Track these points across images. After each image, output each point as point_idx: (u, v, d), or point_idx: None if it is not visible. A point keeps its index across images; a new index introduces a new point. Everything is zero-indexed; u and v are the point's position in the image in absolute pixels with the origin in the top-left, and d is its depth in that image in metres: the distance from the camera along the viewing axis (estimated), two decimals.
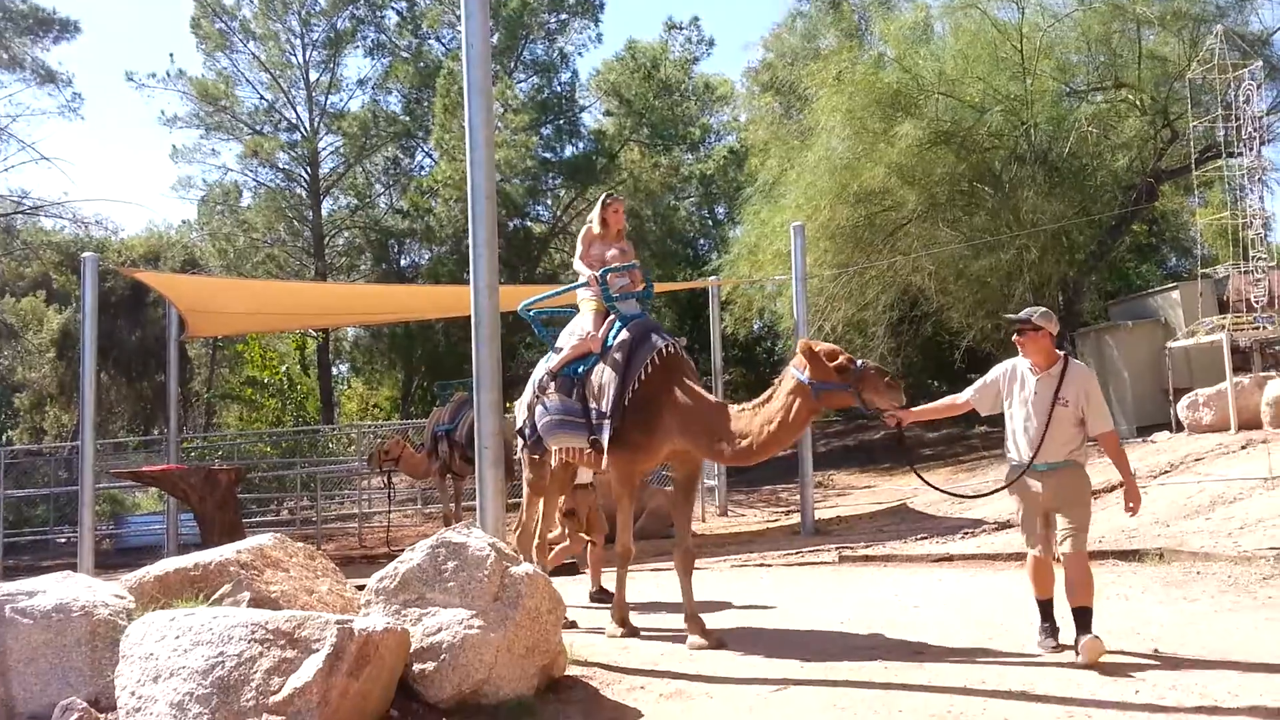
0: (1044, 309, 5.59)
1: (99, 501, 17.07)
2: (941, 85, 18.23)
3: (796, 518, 13.40)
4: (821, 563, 9.68)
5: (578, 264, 7.20)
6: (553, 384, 6.81)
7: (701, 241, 31.49)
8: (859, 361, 5.76)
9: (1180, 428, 14.64)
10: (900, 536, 11.31)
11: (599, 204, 7.27)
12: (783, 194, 19.98)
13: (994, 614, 6.46)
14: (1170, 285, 19.10)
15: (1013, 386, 5.66)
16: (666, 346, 6.41)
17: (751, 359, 29.62)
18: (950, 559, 9.02)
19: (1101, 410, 5.42)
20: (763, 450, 5.98)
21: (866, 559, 9.57)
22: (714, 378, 15.83)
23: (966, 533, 10.83)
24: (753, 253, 20.41)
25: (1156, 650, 5.27)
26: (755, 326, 24.20)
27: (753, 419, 5.97)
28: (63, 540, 18.31)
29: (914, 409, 5.91)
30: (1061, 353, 5.54)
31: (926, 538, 10.95)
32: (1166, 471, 11.96)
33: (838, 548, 10.44)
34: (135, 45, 63.61)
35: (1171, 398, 15.40)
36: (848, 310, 19.19)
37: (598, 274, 6.87)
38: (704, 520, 15.22)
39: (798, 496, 13.54)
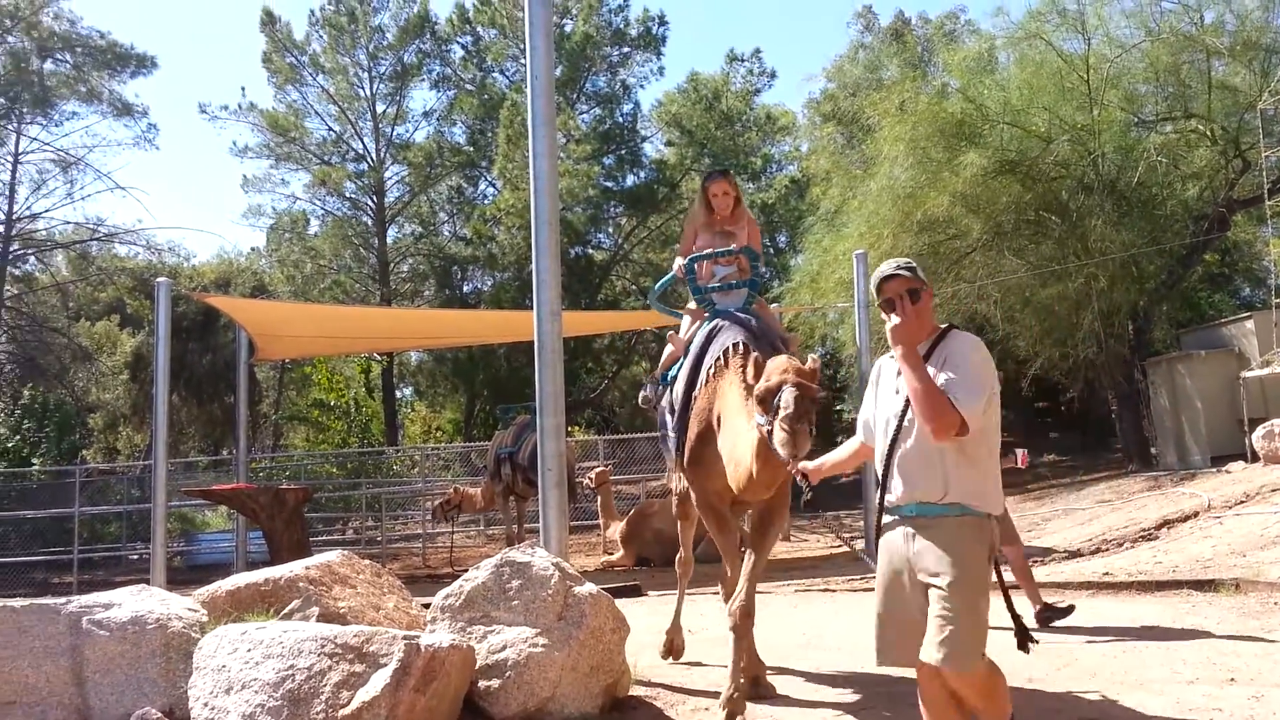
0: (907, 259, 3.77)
1: (170, 519, 17.44)
2: (1006, 115, 18.10)
3: (861, 544, 13.30)
4: None
5: (678, 259, 6.31)
6: (665, 393, 6.13)
7: (763, 270, 31.40)
8: (786, 388, 4.35)
9: (1255, 458, 14.31)
10: None
11: (700, 187, 6.41)
12: (845, 222, 19.97)
13: (1063, 641, 6.37)
14: (1244, 315, 18.71)
15: (878, 391, 3.83)
16: (735, 345, 5.34)
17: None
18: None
19: (968, 383, 3.37)
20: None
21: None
22: None
23: (1036, 561, 10.66)
24: (814, 280, 20.37)
25: (1233, 680, 5.16)
26: (817, 353, 24.08)
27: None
28: (135, 556, 18.74)
29: (817, 461, 4.28)
30: (946, 326, 3.69)
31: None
32: (1242, 501, 11.70)
33: None
34: (209, 79, 65.44)
35: (1246, 428, 15.07)
36: None
37: (684, 262, 6.10)
38: None
39: (862, 522, 13.45)
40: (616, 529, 14.13)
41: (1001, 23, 20.10)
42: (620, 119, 29.91)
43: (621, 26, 29.47)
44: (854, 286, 13.49)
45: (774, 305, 20.04)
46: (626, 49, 29.84)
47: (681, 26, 53.34)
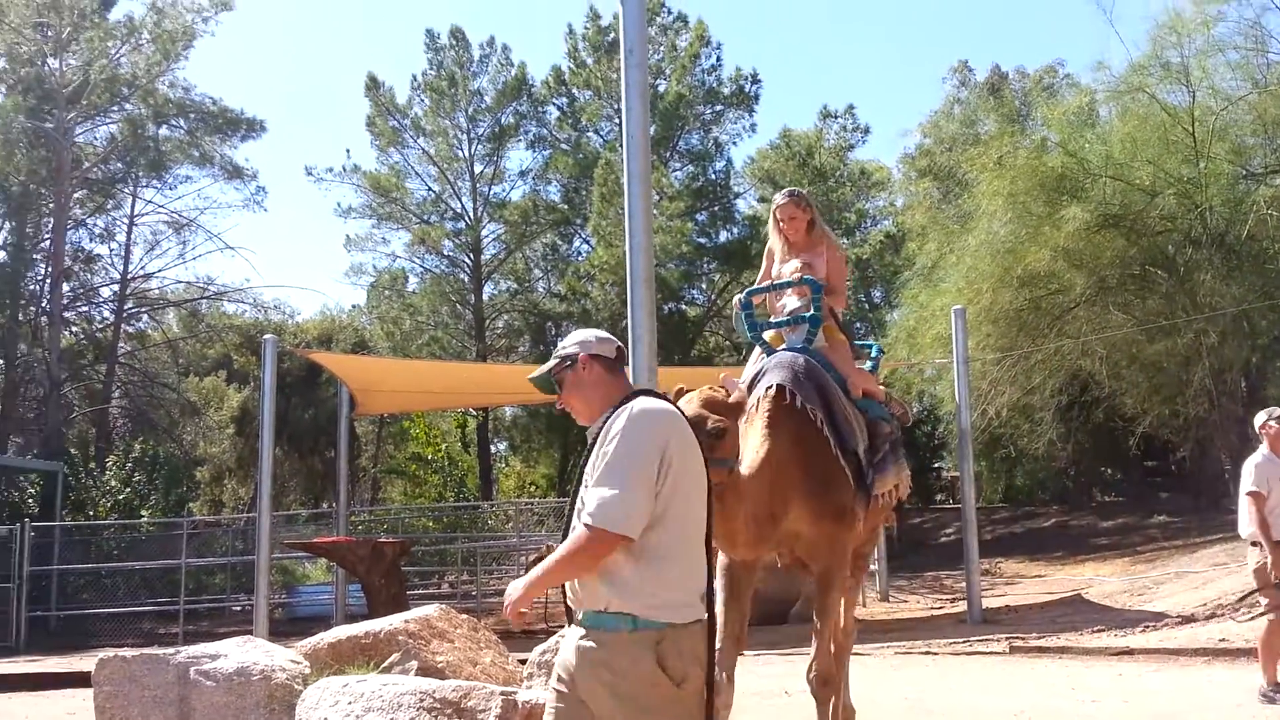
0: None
1: (272, 571, 17.82)
2: (1109, 169, 17.76)
3: (962, 606, 12.97)
4: (991, 653, 9.33)
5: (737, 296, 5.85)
6: None
7: (857, 325, 31.25)
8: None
9: None
10: (1075, 628, 10.79)
11: (770, 216, 5.74)
12: (942, 278, 19.74)
13: (1179, 711, 6.09)
14: None
15: None
16: (773, 389, 4.83)
17: (909, 442, 28.93)
18: (1130, 653, 8.57)
19: (604, 480, 2.64)
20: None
21: (1040, 650, 9.18)
22: None
23: (1148, 626, 10.28)
24: (911, 336, 20.16)
25: None
26: (915, 410, 23.78)
27: None
28: (238, 608, 19.10)
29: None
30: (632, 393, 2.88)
31: (1104, 630, 10.43)
32: None
33: (1008, 638, 10.03)
34: (315, 142, 67.68)
35: None
36: (1012, 395, 18.66)
37: (741, 298, 5.56)
38: (864, 605, 14.90)
39: (963, 584, 13.12)
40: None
41: (1103, 77, 19.80)
42: (713, 176, 30.11)
43: (715, 85, 29.74)
44: (952, 342, 13.32)
45: (869, 361, 19.89)
46: (719, 107, 30.09)
47: (774, 83, 53.70)
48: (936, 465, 30.35)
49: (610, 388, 2.92)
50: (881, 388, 5.65)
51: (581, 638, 2.70)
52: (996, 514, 26.27)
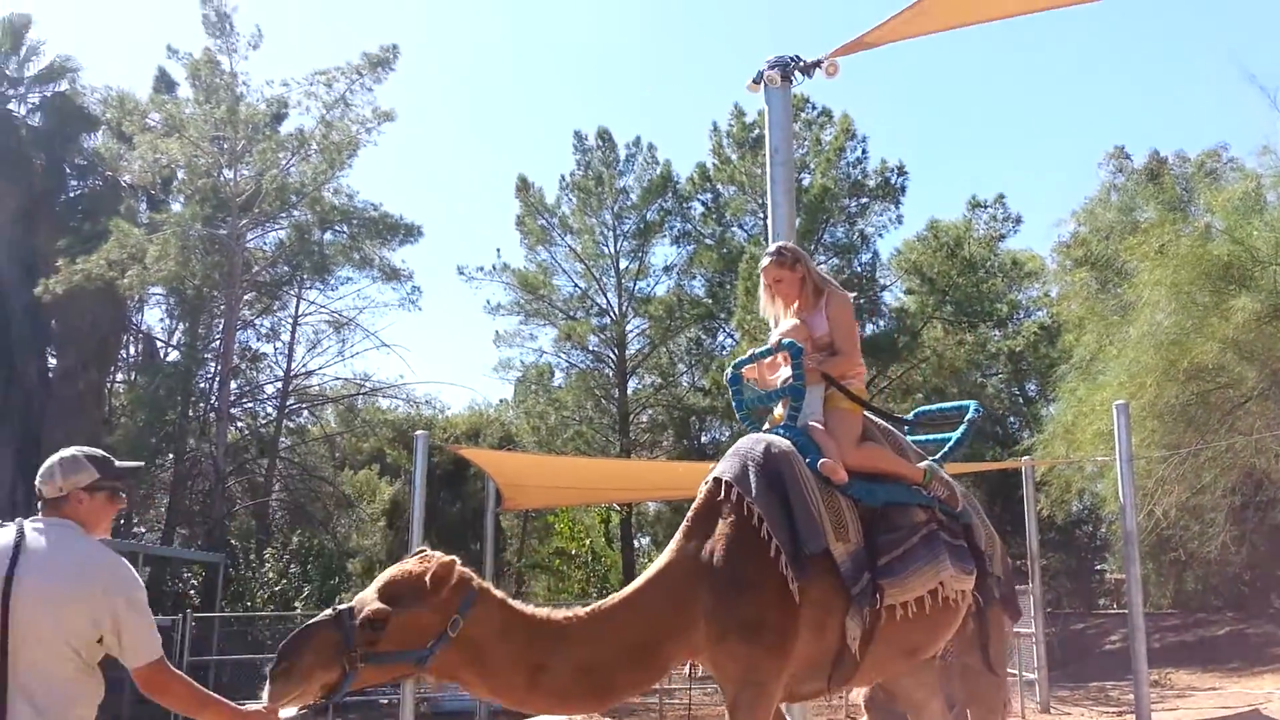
0: None
1: None
2: (1279, 257, 16.91)
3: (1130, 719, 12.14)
4: None
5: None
6: None
7: (1011, 419, 30.26)
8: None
9: None
10: None
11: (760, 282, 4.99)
12: (1101, 370, 19.00)
13: None
14: None
15: None
16: (708, 484, 4.30)
17: (1070, 543, 27.75)
18: None
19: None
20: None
21: None
22: (1029, 562, 14.95)
23: None
24: (1069, 432, 19.39)
25: None
26: (1074, 509, 22.78)
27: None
28: (384, 701, 19.28)
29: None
30: None
31: None
32: None
33: None
34: (467, 241, 70.15)
35: None
36: (1180, 494, 17.67)
37: (729, 372, 4.88)
38: (1024, 717, 14.19)
39: (1130, 695, 12.29)
40: (861, 693, 13.47)
41: (1269, 161, 18.96)
42: (858, 268, 29.81)
43: (860, 178, 29.61)
44: (1115, 439, 12.69)
45: (1025, 458, 19.20)
46: (865, 199, 29.90)
47: (921, 173, 53.26)
48: (1100, 568, 28.89)
49: None
50: (926, 466, 4.68)
51: None
52: (1165, 620, 24.70)
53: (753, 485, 4.11)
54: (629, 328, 31.65)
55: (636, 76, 69.36)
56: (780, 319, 4.84)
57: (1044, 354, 27.13)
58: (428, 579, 3.73)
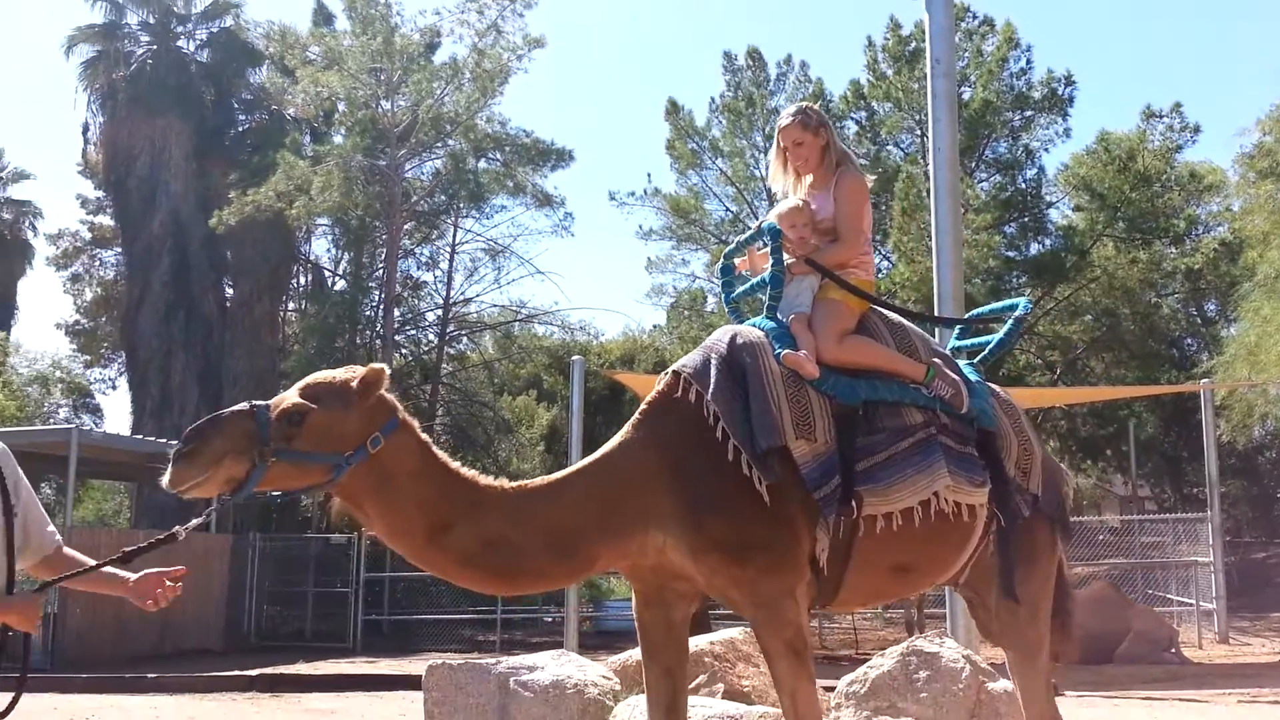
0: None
1: (580, 586, 18.53)
2: None
3: None
4: None
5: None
6: None
7: (1188, 341, 28.85)
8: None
9: None
10: None
11: (774, 142, 4.36)
12: None
13: None
14: None
15: None
16: (667, 377, 3.89)
17: (1253, 469, 26.52)
18: None
19: None
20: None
21: None
22: (1209, 489, 14.32)
23: None
24: (1253, 353, 18.39)
25: None
26: (1257, 434, 21.66)
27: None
28: (549, 619, 19.96)
29: None
30: None
31: None
32: None
33: None
34: (617, 168, 70.33)
35: None
36: None
37: (721, 263, 4.41)
38: (1201, 648, 13.72)
39: None
40: None
41: None
42: (1023, 185, 28.60)
43: (1024, 90, 28.27)
44: None
45: (1204, 381, 18.30)
46: (1029, 112, 28.58)
47: (1090, 84, 50.63)
48: None
49: None
50: (930, 365, 4.03)
51: None
52: None
53: (711, 380, 3.67)
54: None
55: None
56: (789, 193, 4.28)
57: (1225, 272, 25.66)
58: (355, 382, 3.43)
